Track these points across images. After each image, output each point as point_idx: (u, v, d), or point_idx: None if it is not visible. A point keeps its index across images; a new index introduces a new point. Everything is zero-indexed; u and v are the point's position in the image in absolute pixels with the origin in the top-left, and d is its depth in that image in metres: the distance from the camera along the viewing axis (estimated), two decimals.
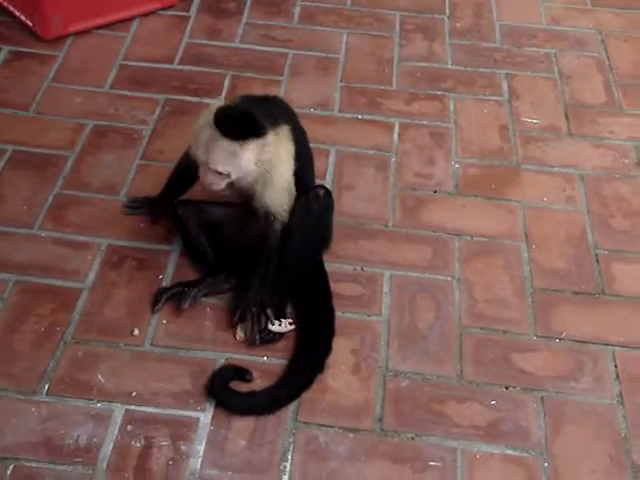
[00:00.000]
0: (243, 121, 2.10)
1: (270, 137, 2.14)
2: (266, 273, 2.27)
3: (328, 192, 2.37)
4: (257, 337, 2.22)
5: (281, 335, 2.25)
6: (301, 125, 2.38)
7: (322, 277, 2.37)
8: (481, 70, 3.24)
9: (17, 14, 3.29)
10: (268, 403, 2.11)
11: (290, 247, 2.27)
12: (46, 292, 2.33)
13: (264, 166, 2.18)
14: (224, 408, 2.09)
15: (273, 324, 2.24)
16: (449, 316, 2.35)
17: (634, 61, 3.31)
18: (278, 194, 2.24)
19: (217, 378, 2.14)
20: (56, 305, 2.30)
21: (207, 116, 2.14)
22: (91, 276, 2.39)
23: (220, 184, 2.17)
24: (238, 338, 2.24)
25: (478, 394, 2.17)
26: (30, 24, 3.25)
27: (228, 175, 2.14)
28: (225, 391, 2.12)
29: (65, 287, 2.35)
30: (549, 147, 2.91)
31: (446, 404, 2.14)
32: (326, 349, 2.22)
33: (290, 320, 2.27)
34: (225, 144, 2.09)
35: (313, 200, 2.30)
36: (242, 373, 2.15)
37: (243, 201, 2.32)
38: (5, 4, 3.34)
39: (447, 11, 3.55)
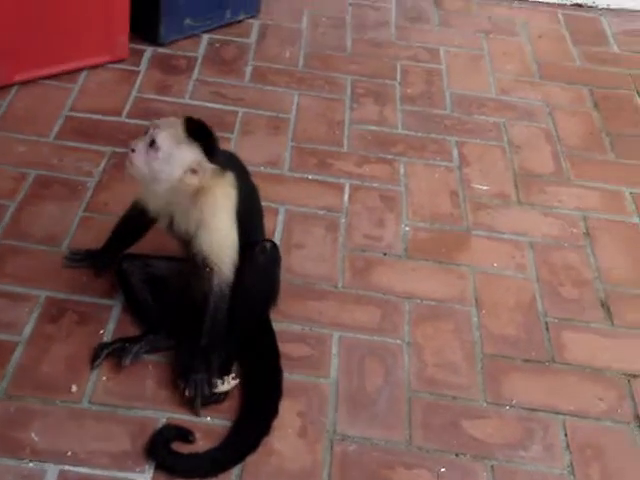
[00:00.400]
0: (204, 129, 2.19)
1: (211, 167, 2.14)
2: (210, 334, 2.19)
3: (275, 245, 2.35)
4: (198, 403, 2.15)
5: (226, 394, 2.18)
6: (252, 182, 2.37)
7: (270, 336, 2.31)
8: (432, 136, 3.24)
9: None
10: (211, 466, 2.03)
11: (237, 299, 2.21)
12: None
13: (196, 200, 2.16)
14: (164, 470, 2.01)
15: (217, 387, 2.17)
16: (398, 380, 2.30)
17: (581, 134, 3.35)
18: (214, 238, 2.19)
19: (158, 438, 2.06)
20: None
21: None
22: (28, 329, 2.30)
23: (140, 159, 2.13)
24: (187, 394, 2.15)
25: (427, 461, 2.11)
26: None
27: (156, 152, 2.11)
28: (166, 452, 2.04)
29: None
30: (499, 214, 2.91)
31: (394, 470, 2.08)
32: (272, 411, 2.16)
33: (233, 375, 2.21)
34: (179, 129, 2.14)
35: (260, 252, 2.28)
36: (184, 434, 2.08)
37: (186, 252, 2.26)
38: None
39: (398, 77, 3.56)
